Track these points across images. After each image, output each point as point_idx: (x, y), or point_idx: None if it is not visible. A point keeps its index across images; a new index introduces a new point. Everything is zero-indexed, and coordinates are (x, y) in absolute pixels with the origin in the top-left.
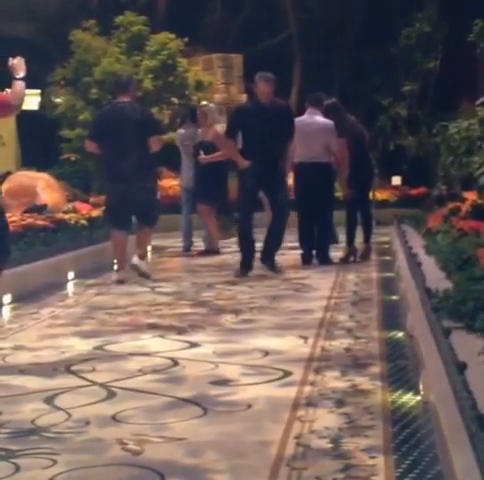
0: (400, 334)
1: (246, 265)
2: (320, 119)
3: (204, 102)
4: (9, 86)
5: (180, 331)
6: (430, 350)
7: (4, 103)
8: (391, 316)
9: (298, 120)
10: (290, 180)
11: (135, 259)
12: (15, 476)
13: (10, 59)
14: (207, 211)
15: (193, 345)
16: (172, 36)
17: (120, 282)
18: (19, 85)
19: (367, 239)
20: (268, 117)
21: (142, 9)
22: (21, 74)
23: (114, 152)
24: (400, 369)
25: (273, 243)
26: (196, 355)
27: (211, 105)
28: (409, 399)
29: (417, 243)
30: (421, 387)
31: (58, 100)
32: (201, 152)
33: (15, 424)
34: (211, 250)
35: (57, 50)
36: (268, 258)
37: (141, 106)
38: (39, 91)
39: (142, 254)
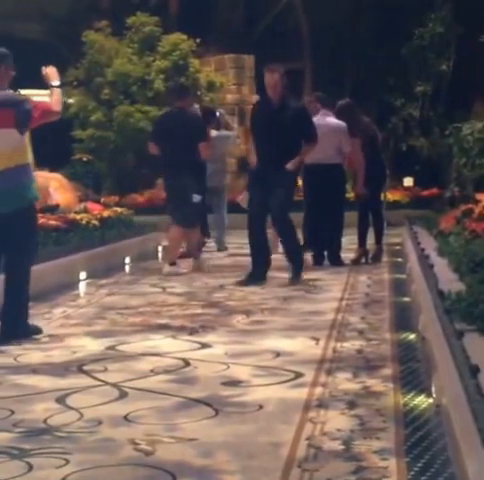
0: (412, 336)
1: (252, 274)
2: (332, 120)
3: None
4: (23, 87)
5: (191, 332)
6: (443, 352)
7: (49, 110)
8: (403, 318)
9: None
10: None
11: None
12: (28, 475)
13: (43, 68)
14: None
15: (204, 346)
16: (184, 37)
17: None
18: (57, 92)
19: (379, 240)
20: (274, 114)
21: (154, 10)
22: (56, 82)
23: (170, 154)
24: (412, 371)
25: (288, 252)
26: (207, 356)
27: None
28: (421, 402)
29: (429, 245)
30: (433, 390)
31: (70, 101)
32: None
33: (28, 423)
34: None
35: (69, 51)
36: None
37: (193, 113)
38: (49, 92)
39: (190, 252)
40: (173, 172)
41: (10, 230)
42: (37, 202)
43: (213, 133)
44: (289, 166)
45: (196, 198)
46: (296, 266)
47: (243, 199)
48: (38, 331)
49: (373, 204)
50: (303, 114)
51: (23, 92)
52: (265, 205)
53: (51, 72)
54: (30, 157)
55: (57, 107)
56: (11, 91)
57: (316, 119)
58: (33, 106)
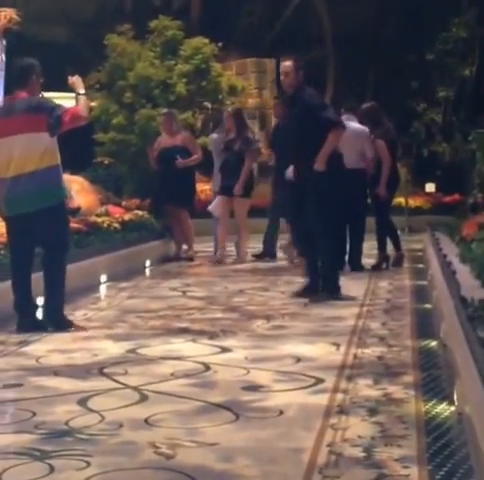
0: (433, 343)
1: (307, 288)
2: (355, 125)
3: (166, 110)
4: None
5: (212, 336)
6: (465, 360)
7: (77, 115)
8: (424, 325)
9: None
10: None
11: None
12: (50, 477)
13: (69, 77)
14: (186, 216)
15: (225, 350)
16: (206, 41)
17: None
18: (84, 99)
19: (398, 246)
20: (291, 111)
21: (177, 13)
22: (82, 90)
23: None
24: (434, 379)
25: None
26: (228, 360)
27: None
28: (443, 409)
29: (451, 251)
30: (455, 397)
31: (92, 104)
32: (177, 156)
33: (49, 425)
34: (187, 256)
35: (92, 54)
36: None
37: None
38: (73, 95)
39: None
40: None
41: (42, 228)
42: (66, 201)
43: (215, 136)
44: (317, 166)
45: None
46: (326, 285)
47: (214, 206)
48: (70, 325)
49: (383, 209)
50: (313, 103)
51: (47, 95)
52: (297, 207)
53: (77, 81)
54: (59, 158)
55: (84, 113)
56: (41, 97)
57: None
58: (63, 111)
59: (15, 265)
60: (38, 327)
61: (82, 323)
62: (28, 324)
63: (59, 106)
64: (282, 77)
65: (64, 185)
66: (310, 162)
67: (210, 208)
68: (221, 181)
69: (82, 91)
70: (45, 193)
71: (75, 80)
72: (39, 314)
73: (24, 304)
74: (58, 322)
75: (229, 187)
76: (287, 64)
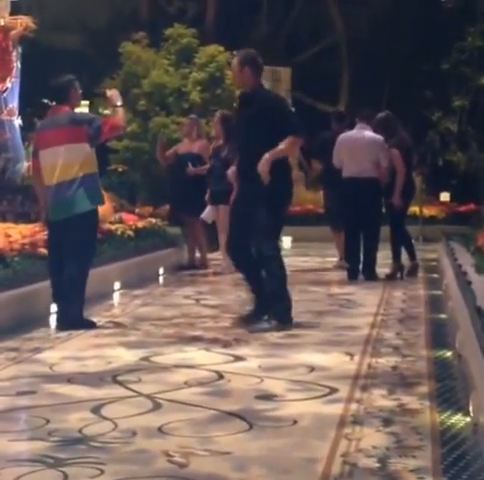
0: (449, 353)
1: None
2: (369, 134)
3: (192, 115)
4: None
5: (225, 344)
6: (480, 370)
7: (115, 126)
8: (439, 335)
9: (347, 135)
10: None
11: None
12: None
13: (107, 91)
14: (200, 224)
15: (238, 359)
16: (221, 49)
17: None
18: (121, 111)
19: (412, 256)
20: (242, 112)
21: (192, 21)
22: (119, 102)
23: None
24: (449, 389)
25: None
26: (241, 369)
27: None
28: (458, 420)
29: (466, 261)
30: (471, 408)
31: (106, 111)
32: (189, 164)
33: (63, 433)
34: (193, 265)
35: (106, 62)
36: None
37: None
38: (88, 102)
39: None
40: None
41: (77, 230)
42: (100, 206)
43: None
44: (260, 165)
45: None
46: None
47: (206, 214)
48: (92, 325)
49: (398, 218)
50: (275, 104)
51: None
52: (245, 239)
53: (115, 94)
54: (96, 167)
55: (121, 124)
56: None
57: (353, 133)
58: (102, 123)
59: (51, 267)
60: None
61: (96, 330)
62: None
63: (97, 118)
64: (234, 81)
65: (101, 192)
66: (254, 170)
67: (203, 216)
68: (209, 188)
69: (119, 103)
70: (82, 199)
71: (113, 93)
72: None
73: (65, 306)
74: (70, 322)
75: (215, 194)
76: (233, 60)
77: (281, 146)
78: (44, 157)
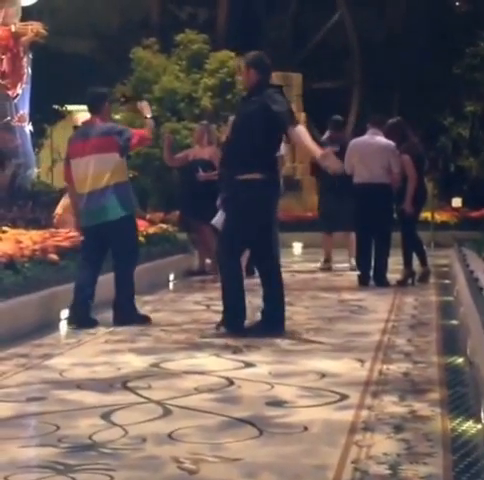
0: (460, 360)
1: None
2: (381, 140)
3: (204, 121)
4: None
5: (235, 350)
6: None
7: (144, 137)
8: (451, 341)
9: (359, 140)
10: None
11: None
12: None
13: (138, 103)
14: (210, 230)
15: (248, 365)
16: (232, 54)
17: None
18: (150, 123)
19: (424, 262)
20: (240, 115)
21: (202, 27)
22: (149, 114)
23: None
24: (460, 396)
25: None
26: (251, 375)
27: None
28: (470, 427)
29: (478, 267)
30: (482, 415)
31: (117, 117)
32: (200, 169)
33: (73, 439)
34: (203, 270)
35: (117, 67)
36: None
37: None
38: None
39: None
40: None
41: (110, 238)
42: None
43: None
44: (325, 159)
45: None
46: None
47: (217, 220)
48: (147, 320)
49: (409, 224)
50: (266, 104)
51: (71, 108)
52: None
53: (145, 106)
54: (127, 175)
55: (150, 134)
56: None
57: (365, 138)
58: (132, 134)
59: (82, 269)
60: (87, 324)
61: (106, 336)
62: (77, 321)
63: (127, 129)
64: (243, 81)
65: (133, 200)
66: (239, 170)
67: (214, 222)
68: (220, 194)
69: (149, 115)
70: (114, 206)
71: (144, 105)
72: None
73: (79, 304)
74: (123, 319)
75: (223, 200)
76: (245, 69)
77: (308, 141)
78: (76, 166)
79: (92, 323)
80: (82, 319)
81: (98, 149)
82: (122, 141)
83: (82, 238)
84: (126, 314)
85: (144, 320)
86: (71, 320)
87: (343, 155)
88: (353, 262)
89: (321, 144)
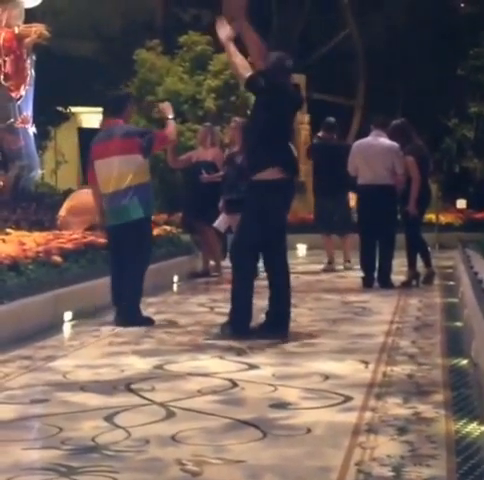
0: (464, 362)
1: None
2: (385, 141)
3: (207, 123)
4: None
5: (239, 352)
6: None
7: (166, 138)
8: (455, 343)
9: (362, 142)
10: (352, 202)
11: None
12: None
13: (160, 104)
14: (213, 232)
15: (252, 367)
16: None
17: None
18: (171, 124)
19: (428, 263)
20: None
21: (206, 28)
22: (171, 115)
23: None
24: (464, 398)
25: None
26: (255, 377)
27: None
28: (474, 429)
29: (482, 268)
30: None
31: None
32: (203, 171)
33: (76, 441)
34: (207, 272)
35: (120, 69)
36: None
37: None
38: (102, 109)
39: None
40: None
41: (128, 237)
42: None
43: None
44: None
45: None
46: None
47: (219, 223)
48: (150, 322)
49: (413, 226)
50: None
51: (74, 109)
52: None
53: (167, 107)
54: (149, 177)
55: (172, 136)
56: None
57: (368, 139)
58: (154, 135)
59: (111, 269)
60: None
61: (109, 338)
62: (120, 319)
63: (149, 131)
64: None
65: (153, 202)
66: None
67: (216, 225)
68: (222, 196)
69: (171, 116)
70: (135, 207)
71: (165, 107)
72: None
73: (117, 302)
74: (126, 320)
75: (228, 202)
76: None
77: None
78: (99, 167)
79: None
80: (126, 318)
81: (121, 150)
82: (144, 142)
83: (106, 238)
84: (129, 315)
85: (147, 322)
86: (115, 321)
87: (333, 156)
88: (347, 265)
89: (313, 144)
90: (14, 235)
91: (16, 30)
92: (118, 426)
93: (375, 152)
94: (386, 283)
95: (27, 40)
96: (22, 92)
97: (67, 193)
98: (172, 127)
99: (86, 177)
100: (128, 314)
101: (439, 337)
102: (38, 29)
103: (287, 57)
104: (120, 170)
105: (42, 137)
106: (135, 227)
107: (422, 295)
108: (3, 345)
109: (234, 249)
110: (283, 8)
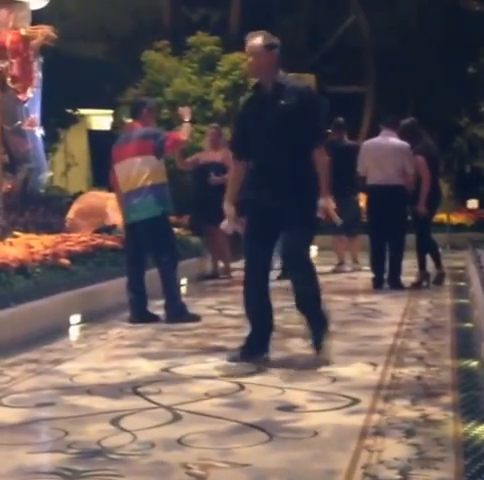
0: (474, 363)
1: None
2: (395, 141)
3: (215, 124)
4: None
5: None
6: None
7: (178, 140)
8: (465, 344)
9: (372, 141)
10: (362, 202)
11: None
12: None
13: (180, 108)
14: (221, 234)
15: (259, 370)
16: (244, 56)
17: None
18: (187, 126)
19: (438, 264)
20: (269, 109)
21: (215, 29)
22: (187, 118)
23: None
24: (473, 400)
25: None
26: (262, 380)
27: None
28: (482, 431)
29: None
30: None
31: (130, 120)
32: (212, 173)
33: (81, 445)
34: (216, 274)
35: (129, 70)
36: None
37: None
38: (111, 111)
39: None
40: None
41: (147, 235)
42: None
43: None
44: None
45: None
46: (316, 331)
47: (225, 224)
48: (197, 319)
49: (423, 226)
50: (308, 97)
51: (84, 111)
52: (266, 257)
53: (186, 111)
54: (164, 177)
55: (185, 137)
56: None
57: (378, 139)
58: (166, 137)
59: (127, 266)
60: (147, 320)
61: (117, 341)
62: (137, 317)
63: (162, 133)
64: (250, 70)
65: (170, 201)
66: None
67: (222, 227)
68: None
69: (187, 119)
70: (152, 204)
71: (185, 111)
72: (149, 308)
73: (134, 300)
74: (173, 314)
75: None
76: (256, 45)
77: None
78: (119, 169)
79: (152, 318)
80: (141, 316)
81: (138, 152)
82: (157, 144)
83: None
84: (175, 312)
85: (195, 318)
86: (130, 318)
87: (342, 156)
88: (355, 265)
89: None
90: (22, 238)
91: (23, 32)
92: (124, 429)
93: (385, 152)
94: (396, 284)
95: (34, 42)
96: (29, 94)
97: (77, 196)
98: (186, 129)
99: (109, 180)
100: (173, 312)
101: (449, 338)
102: (45, 31)
103: None
104: (138, 170)
105: (51, 139)
106: (152, 225)
107: (432, 296)
108: (10, 348)
109: (302, 252)
110: (288, 8)
